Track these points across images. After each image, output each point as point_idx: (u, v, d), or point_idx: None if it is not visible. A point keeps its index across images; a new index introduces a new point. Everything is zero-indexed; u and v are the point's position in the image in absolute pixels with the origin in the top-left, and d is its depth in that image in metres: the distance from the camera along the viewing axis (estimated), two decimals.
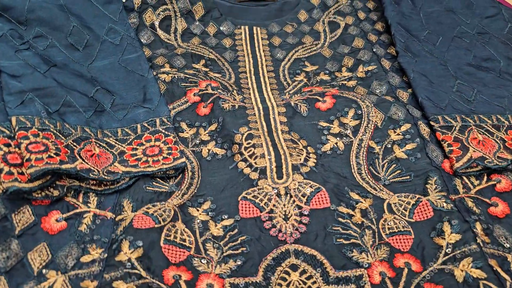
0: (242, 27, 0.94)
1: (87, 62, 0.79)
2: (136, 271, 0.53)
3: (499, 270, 0.54)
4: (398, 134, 0.73)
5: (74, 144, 0.63)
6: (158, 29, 0.89)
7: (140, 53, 0.82)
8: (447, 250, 0.57)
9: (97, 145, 0.66)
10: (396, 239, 0.59)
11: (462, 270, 0.55)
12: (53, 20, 0.78)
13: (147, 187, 0.63)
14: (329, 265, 0.55)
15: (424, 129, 0.73)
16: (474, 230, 0.59)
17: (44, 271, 0.53)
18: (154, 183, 0.64)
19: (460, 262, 0.55)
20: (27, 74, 0.70)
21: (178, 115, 0.75)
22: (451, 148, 0.68)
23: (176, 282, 0.53)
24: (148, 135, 0.69)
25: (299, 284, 0.54)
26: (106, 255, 0.54)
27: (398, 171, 0.68)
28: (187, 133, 0.72)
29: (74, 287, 0.51)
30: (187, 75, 0.81)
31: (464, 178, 0.66)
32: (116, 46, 0.82)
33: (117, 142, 0.67)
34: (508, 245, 0.57)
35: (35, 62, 0.73)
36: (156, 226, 0.57)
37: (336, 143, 0.72)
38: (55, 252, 0.55)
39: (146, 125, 0.70)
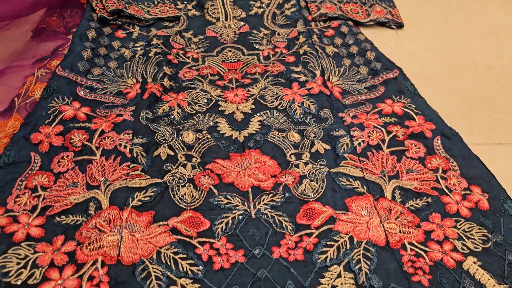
0: None
1: None
2: (160, 44, 1.24)
3: (316, 40, 1.27)
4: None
5: (126, 4, 1.34)
6: None
7: None
8: (296, 42, 1.29)
9: (136, 8, 1.36)
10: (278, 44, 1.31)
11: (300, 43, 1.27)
12: None
13: (161, 23, 1.34)
14: (245, 49, 1.27)
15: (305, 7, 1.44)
16: (312, 39, 1.30)
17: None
18: (165, 22, 1.35)
19: (303, 46, 1.27)
20: None
21: None
22: (312, 9, 1.40)
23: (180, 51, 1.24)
24: (161, 5, 1.39)
25: (233, 55, 1.25)
26: (146, 42, 1.25)
27: (287, 22, 1.39)
28: (180, 6, 1.43)
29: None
30: None
31: (317, 22, 1.38)
32: None
33: (146, 7, 1.38)
34: (325, 42, 1.29)
35: None
36: (167, 35, 1.29)
37: (257, 11, 1.43)
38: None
39: (160, 2, 1.41)
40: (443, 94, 1.16)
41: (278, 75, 1.16)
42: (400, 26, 1.39)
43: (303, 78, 1.14)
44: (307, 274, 0.74)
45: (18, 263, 0.72)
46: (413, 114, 1.05)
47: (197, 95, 1.09)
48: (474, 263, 0.76)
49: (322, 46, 1.25)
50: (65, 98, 1.01)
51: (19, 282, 0.70)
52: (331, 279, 0.74)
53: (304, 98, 1.09)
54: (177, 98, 1.08)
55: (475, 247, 0.79)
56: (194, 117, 1.03)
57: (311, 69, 1.18)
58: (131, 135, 0.95)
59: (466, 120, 1.09)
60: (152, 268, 0.73)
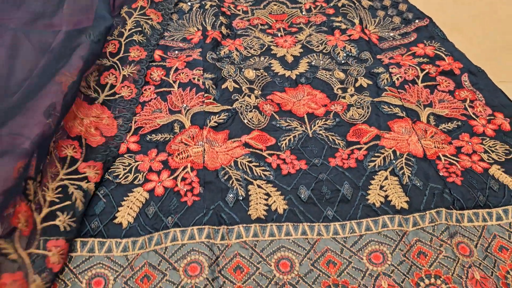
0: None
1: None
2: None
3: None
4: None
5: None
6: None
7: None
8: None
9: None
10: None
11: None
12: None
13: None
14: (289, 3, 1.42)
15: None
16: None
17: None
18: None
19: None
20: None
21: None
22: None
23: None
24: None
25: (278, 8, 1.40)
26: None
27: None
28: None
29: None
30: None
31: None
32: None
33: None
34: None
35: None
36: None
37: None
38: None
39: None
40: (469, 40, 1.31)
41: (321, 24, 1.31)
42: None
43: (343, 26, 1.29)
44: (359, 177, 0.91)
45: (124, 169, 0.90)
46: (443, 55, 1.20)
47: (251, 41, 1.25)
48: (498, 169, 0.92)
49: None
50: None
51: (127, 183, 0.87)
52: (379, 180, 0.90)
53: (345, 43, 1.24)
54: (234, 43, 1.23)
55: (499, 158, 0.95)
56: (251, 59, 1.19)
57: (350, 19, 1.32)
58: (201, 71, 1.11)
59: (489, 61, 1.24)
60: (232, 172, 0.90)
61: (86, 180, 0.82)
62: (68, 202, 0.77)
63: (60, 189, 0.79)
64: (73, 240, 0.75)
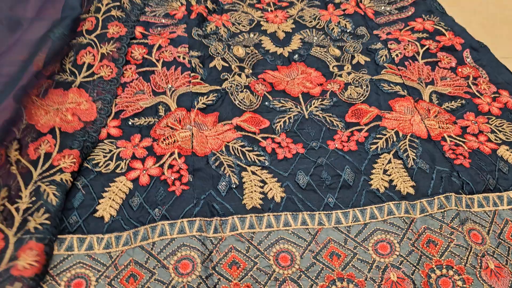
0: None
1: None
2: None
3: None
4: None
5: None
6: None
7: None
8: None
9: None
10: None
11: None
12: None
13: None
14: None
15: None
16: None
17: None
18: None
19: None
20: None
21: None
22: None
23: None
24: None
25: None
26: None
27: None
28: None
29: None
30: None
31: None
32: None
33: None
34: None
35: None
36: None
37: None
38: None
39: None
40: (467, 14, 1.24)
41: None
42: None
43: (337, 0, 1.21)
44: (361, 160, 0.84)
45: (104, 156, 0.81)
46: (443, 30, 1.13)
47: (239, 16, 1.16)
48: (507, 150, 0.87)
49: None
50: None
51: (108, 171, 0.79)
52: (383, 164, 0.83)
53: (340, 18, 1.16)
54: (221, 19, 1.14)
55: (507, 138, 0.89)
56: (240, 36, 1.10)
57: None
58: (187, 48, 1.02)
59: (490, 36, 1.17)
60: (223, 158, 0.83)
61: (59, 172, 0.73)
62: (40, 202, 0.68)
63: (33, 192, 0.70)
64: (49, 239, 0.66)
